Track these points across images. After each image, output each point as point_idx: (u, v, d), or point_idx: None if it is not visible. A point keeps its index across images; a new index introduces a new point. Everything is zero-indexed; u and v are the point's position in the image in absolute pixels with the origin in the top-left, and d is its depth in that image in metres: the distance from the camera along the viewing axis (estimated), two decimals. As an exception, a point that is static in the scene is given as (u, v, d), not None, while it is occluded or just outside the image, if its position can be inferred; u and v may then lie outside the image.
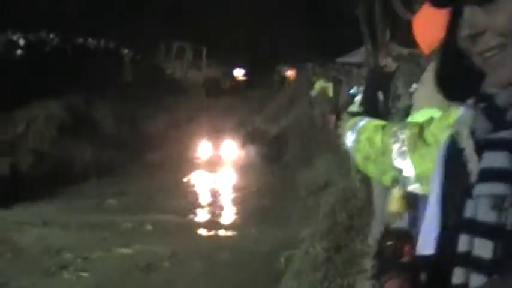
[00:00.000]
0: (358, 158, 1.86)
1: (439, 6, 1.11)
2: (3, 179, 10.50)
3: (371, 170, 1.76)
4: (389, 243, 1.43)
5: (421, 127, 1.65)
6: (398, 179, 1.69)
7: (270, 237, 8.59)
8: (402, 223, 1.51)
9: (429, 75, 2.50)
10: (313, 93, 17.00)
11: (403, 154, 1.65)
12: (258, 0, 41.47)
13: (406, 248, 1.42)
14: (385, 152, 1.72)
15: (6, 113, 13.02)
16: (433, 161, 1.37)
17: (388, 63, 5.65)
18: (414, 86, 3.57)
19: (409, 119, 2.34)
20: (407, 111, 4.20)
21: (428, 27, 2.56)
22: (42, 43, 17.73)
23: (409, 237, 1.47)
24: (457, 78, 1.07)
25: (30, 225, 9.10)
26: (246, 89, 32.10)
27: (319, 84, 16.66)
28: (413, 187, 1.62)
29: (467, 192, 0.96)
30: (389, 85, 4.86)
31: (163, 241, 8.38)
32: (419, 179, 1.59)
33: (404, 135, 1.68)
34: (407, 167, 1.61)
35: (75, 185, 11.89)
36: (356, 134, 1.87)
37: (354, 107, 8.01)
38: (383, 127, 1.81)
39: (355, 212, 6.82)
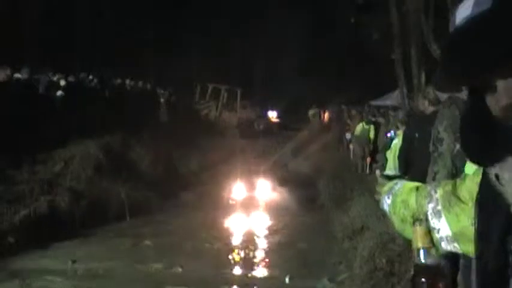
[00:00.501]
0: (395, 221, 1.84)
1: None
2: (42, 218, 10.64)
3: (408, 233, 1.73)
4: (423, 280, 1.41)
5: (455, 184, 1.62)
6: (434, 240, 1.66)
7: (305, 283, 8.48)
8: (432, 259, 1.48)
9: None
10: (356, 134, 16.96)
11: (438, 213, 1.62)
12: (293, 41, 42.11)
13: (441, 285, 1.40)
14: (420, 213, 1.70)
15: (46, 152, 13.30)
16: (470, 219, 1.36)
17: (425, 106, 5.64)
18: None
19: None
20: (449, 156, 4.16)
21: None
22: (81, 84, 18.13)
23: (442, 273, 1.44)
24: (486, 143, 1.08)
25: (63, 264, 9.19)
26: (280, 131, 32.19)
27: (360, 126, 16.65)
28: (451, 247, 1.59)
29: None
30: (427, 129, 4.83)
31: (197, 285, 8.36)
32: (456, 238, 1.56)
33: (438, 193, 1.65)
34: (443, 227, 1.58)
35: (111, 225, 11.99)
36: (392, 197, 1.85)
37: (391, 152, 7.96)
38: (417, 188, 1.78)
39: (395, 257, 6.70)
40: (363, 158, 16.40)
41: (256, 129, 31.05)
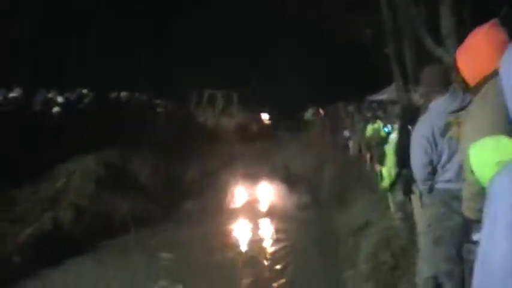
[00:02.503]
0: None
1: None
2: (46, 236, 10.64)
3: None
4: None
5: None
6: None
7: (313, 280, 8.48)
8: None
9: (476, 106, 2.51)
10: (368, 134, 16.81)
11: None
12: (287, 42, 42.15)
13: None
14: None
15: (46, 170, 13.32)
16: None
17: (416, 99, 5.67)
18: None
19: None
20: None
21: (473, 59, 2.60)
22: (77, 100, 18.12)
23: None
24: None
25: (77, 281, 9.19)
26: (275, 132, 32.30)
27: (371, 127, 16.50)
28: None
29: None
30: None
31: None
32: None
33: None
34: None
35: (116, 238, 11.97)
36: None
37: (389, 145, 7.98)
38: None
39: (399, 251, 6.71)
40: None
41: (252, 132, 31.06)
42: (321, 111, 33.52)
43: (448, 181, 4.06)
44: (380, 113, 16.69)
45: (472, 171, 2.01)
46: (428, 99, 4.37)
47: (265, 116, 36.41)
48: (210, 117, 29.86)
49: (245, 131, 30.17)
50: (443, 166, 4.12)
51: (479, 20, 2.97)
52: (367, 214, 10.13)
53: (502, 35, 2.53)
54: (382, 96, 24.10)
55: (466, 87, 2.76)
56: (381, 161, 8.46)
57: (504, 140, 1.72)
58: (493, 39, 2.53)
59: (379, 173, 8.78)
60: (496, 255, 1.21)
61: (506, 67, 1.42)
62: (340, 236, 10.90)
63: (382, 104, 20.27)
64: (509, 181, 1.24)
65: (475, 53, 2.60)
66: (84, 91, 19.24)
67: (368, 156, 15.87)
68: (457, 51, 2.81)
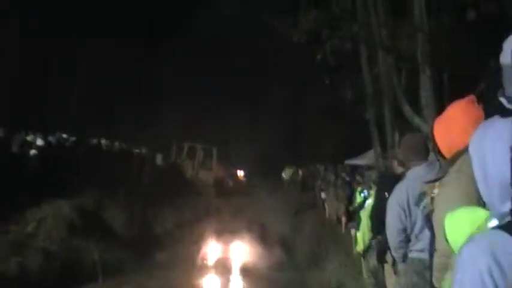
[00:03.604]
0: None
1: None
2: (12, 280, 10.37)
3: None
4: None
5: None
6: None
7: None
8: None
9: (451, 178, 2.55)
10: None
11: None
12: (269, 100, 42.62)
13: None
14: None
15: (18, 212, 13.11)
16: None
17: (395, 166, 5.73)
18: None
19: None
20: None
21: (450, 132, 2.66)
22: (56, 144, 18.05)
23: None
24: None
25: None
26: (248, 188, 32.39)
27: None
28: None
29: None
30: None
31: None
32: None
33: None
34: None
35: (85, 286, 11.69)
36: None
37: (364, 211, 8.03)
38: None
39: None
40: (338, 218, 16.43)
41: (228, 187, 31.11)
42: (300, 172, 33.70)
43: (421, 250, 4.05)
44: (358, 178, 16.81)
45: (446, 240, 2.05)
46: (406, 167, 4.44)
47: (240, 173, 36.67)
48: (188, 170, 29.84)
49: (222, 185, 30.21)
50: (417, 235, 4.14)
51: (457, 94, 3.07)
52: (340, 277, 10.08)
53: (478, 111, 2.60)
54: (361, 161, 24.31)
55: (441, 157, 2.81)
56: (357, 226, 8.50)
57: (479, 211, 1.77)
58: (470, 114, 2.59)
59: (354, 237, 8.81)
60: None
61: (475, 146, 1.47)
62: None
63: (360, 169, 20.44)
64: (478, 252, 1.29)
65: (452, 126, 2.66)
66: (65, 135, 19.22)
67: (344, 219, 15.93)
68: (435, 123, 2.87)
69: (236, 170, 36.64)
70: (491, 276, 1.26)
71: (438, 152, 2.77)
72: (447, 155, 2.69)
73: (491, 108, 1.57)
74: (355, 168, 21.53)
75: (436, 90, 10.30)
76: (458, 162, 2.52)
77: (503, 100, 1.48)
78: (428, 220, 2.79)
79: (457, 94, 2.86)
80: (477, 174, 1.45)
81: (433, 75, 10.40)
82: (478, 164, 1.45)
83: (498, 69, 1.48)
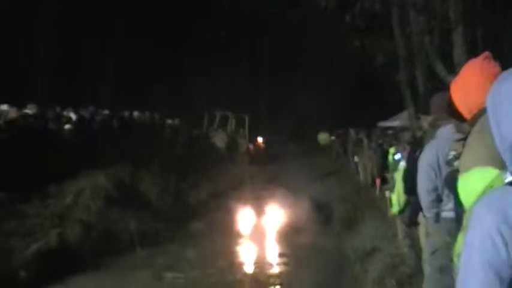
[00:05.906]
0: None
1: None
2: (53, 252, 10.64)
3: None
4: None
5: None
6: None
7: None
8: None
9: (474, 139, 2.47)
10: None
11: None
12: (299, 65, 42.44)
13: None
14: None
15: (56, 185, 13.39)
16: None
17: (424, 127, 5.64)
18: (452, 153, 3.55)
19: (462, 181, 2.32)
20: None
21: (467, 92, 2.57)
22: (90, 117, 18.29)
23: None
24: None
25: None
26: (283, 155, 32.18)
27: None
28: None
29: None
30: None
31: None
32: None
33: None
34: None
35: (123, 256, 11.91)
36: None
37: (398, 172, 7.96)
38: None
39: (405, 279, 6.65)
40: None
41: (264, 156, 31.05)
42: (333, 136, 33.59)
43: (453, 210, 4.00)
44: (393, 140, 16.63)
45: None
46: (435, 126, 4.37)
47: (260, 139, 35.90)
48: (221, 139, 29.93)
49: (257, 153, 30.29)
50: (448, 195, 4.09)
51: (491, 48, 2.96)
52: (375, 241, 10.06)
53: (495, 68, 2.50)
54: (395, 123, 24.07)
55: (461, 120, 2.71)
56: (391, 188, 8.45)
57: (491, 170, 1.73)
58: (486, 71, 2.50)
59: (389, 200, 8.76)
60: (473, 283, 1.22)
61: (491, 102, 1.43)
62: (347, 261, 10.83)
63: (394, 131, 20.22)
64: (487, 210, 1.26)
65: (469, 85, 2.57)
66: (97, 109, 19.44)
67: (378, 182, 15.81)
68: (451, 85, 2.77)
69: (257, 137, 35.90)
70: (501, 233, 1.23)
71: (457, 113, 2.67)
72: (467, 116, 2.60)
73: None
74: (387, 130, 21.29)
75: (469, 48, 10.10)
76: (480, 122, 2.42)
77: None
78: (453, 180, 2.72)
79: (491, 52, 2.73)
80: (494, 131, 1.40)
81: (466, 33, 10.19)
82: (493, 120, 1.40)
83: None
